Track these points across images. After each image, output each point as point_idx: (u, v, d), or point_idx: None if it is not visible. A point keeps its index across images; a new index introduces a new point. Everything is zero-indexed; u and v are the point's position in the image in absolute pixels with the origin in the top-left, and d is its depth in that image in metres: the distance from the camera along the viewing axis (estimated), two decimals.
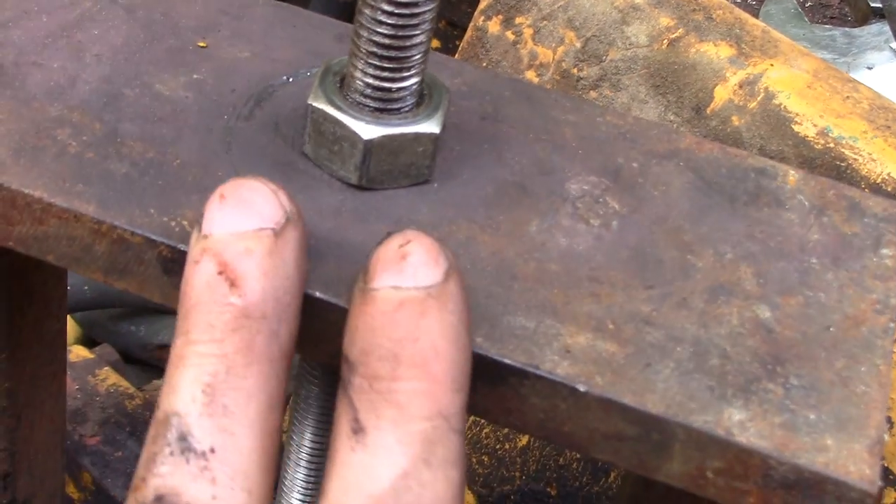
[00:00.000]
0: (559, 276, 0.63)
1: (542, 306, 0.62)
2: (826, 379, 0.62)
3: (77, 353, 1.42)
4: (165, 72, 0.69)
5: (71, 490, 1.32)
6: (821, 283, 0.67)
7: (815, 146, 0.94)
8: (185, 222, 0.61)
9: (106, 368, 1.39)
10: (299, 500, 0.74)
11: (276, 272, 0.55)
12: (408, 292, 0.55)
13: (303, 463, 0.73)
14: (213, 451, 0.52)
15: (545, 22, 1.05)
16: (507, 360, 0.59)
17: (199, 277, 0.54)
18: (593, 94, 1.02)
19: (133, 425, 1.32)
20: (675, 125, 0.99)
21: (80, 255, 0.62)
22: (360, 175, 0.64)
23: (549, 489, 1.12)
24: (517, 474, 1.12)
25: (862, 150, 0.93)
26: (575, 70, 1.03)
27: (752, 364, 0.61)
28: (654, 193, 0.69)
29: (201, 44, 0.71)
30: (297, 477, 0.73)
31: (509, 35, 1.06)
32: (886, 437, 0.71)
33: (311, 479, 0.73)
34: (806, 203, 0.71)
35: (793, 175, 0.72)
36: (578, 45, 1.03)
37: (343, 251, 0.62)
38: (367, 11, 0.61)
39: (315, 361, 0.67)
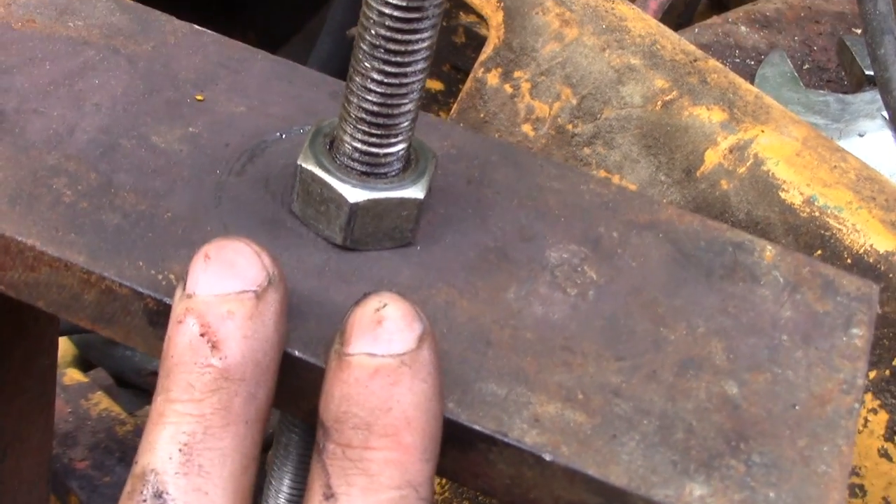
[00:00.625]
0: (533, 344, 0.65)
1: (515, 374, 0.63)
2: (788, 457, 0.63)
3: (71, 376, 1.44)
4: (162, 124, 0.71)
5: None
6: (790, 360, 0.68)
7: (801, 214, 0.95)
8: (171, 276, 0.63)
9: (99, 393, 1.41)
10: None
11: (256, 335, 0.57)
12: (382, 360, 0.57)
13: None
14: None
15: (543, 77, 1.07)
16: (476, 427, 0.61)
17: (182, 337, 0.56)
18: (587, 150, 1.04)
19: (122, 451, 1.34)
20: (665, 186, 1.01)
21: (69, 302, 0.64)
22: (344, 236, 0.66)
23: None
24: None
25: (846, 220, 0.94)
26: (570, 126, 1.05)
27: (716, 440, 0.63)
28: (632, 264, 0.71)
29: (199, 97, 0.73)
30: None
31: (507, 88, 1.08)
32: None
33: None
34: (781, 279, 0.73)
35: (770, 250, 0.74)
36: (574, 101, 1.05)
37: (324, 311, 0.63)
38: (358, 79, 0.63)
39: (292, 416, 0.69)
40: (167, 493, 0.54)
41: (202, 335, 0.56)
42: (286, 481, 0.73)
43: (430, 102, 1.46)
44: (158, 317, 0.62)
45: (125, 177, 0.67)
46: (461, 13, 1.34)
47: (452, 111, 1.11)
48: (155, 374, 1.61)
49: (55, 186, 0.66)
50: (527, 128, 1.07)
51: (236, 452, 0.55)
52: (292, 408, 0.63)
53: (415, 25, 0.60)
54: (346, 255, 0.67)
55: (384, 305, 0.58)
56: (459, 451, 0.61)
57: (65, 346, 1.73)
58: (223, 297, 0.57)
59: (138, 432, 1.36)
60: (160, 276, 0.63)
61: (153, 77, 0.74)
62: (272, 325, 0.58)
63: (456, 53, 1.44)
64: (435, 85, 1.46)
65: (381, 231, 0.67)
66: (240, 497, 0.55)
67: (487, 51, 1.11)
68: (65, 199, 0.65)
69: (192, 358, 0.56)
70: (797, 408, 0.66)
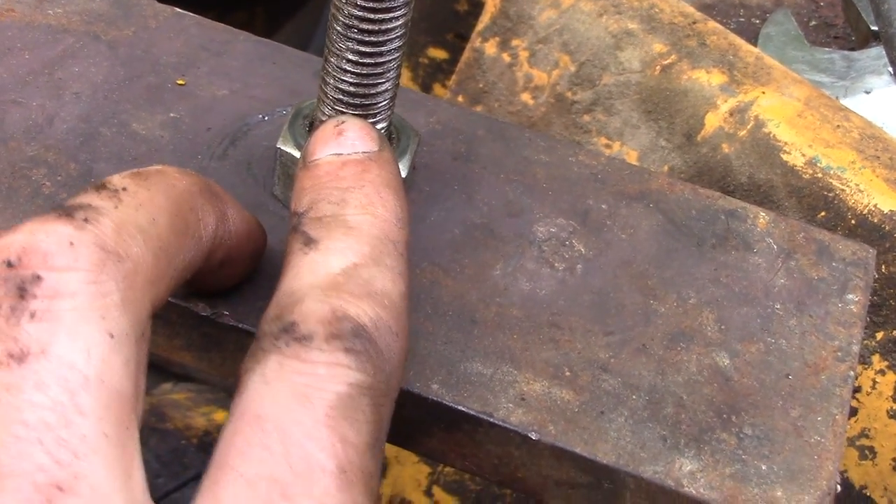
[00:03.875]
0: (519, 322, 0.64)
1: (501, 352, 0.63)
2: (780, 428, 0.62)
3: None
4: (143, 110, 0.70)
5: None
6: (783, 329, 0.67)
7: (804, 176, 0.94)
8: None
9: None
10: None
11: None
12: (349, 156, 0.59)
13: None
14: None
15: (541, 45, 1.05)
16: (461, 408, 0.60)
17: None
18: (587, 117, 1.03)
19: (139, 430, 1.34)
20: (666, 151, 0.99)
21: None
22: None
23: None
24: (508, 491, 1.13)
25: (849, 180, 0.93)
26: (569, 93, 1.03)
27: (706, 413, 0.62)
28: (622, 236, 0.70)
29: (180, 81, 0.73)
30: None
31: (505, 57, 1.07)
32: (839, 481, 0.72)
33: None
34: (774, 246, 0.72)
35: (763, 217, 0.73)
36: (573, 68, 1.03)
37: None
38: (333, 60, 0.62)
39: None
40: (109, 183, 0.52)
41: None
42: None
43: (436, 71, 1.45)
44: None
45: (105, 165, 0.67)
46: None
47: (451, 82, 1.10)
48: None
49: (34, 178, 0.66)
50: (526, 96, 1.06)
51: (187, 192, 0.55)
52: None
53: (387, 4, 0.60)
54: None
55: (342, 122, 0.61)
56: (445, 431, 0.61)
57: None
58: None
59: (153, 411, 1.36)
60: None
61: (134, 63, 0.73)
62: None
63: (459, 22, 1.43)
64: (439, 54, 1.45)
65: None
66: (178, 214, 0.53)
67: (484, 20, 1.09)
68: (44, 191, 0.65)
69: None
70: (790, 377, 0.65)
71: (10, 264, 0.46)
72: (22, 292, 0.46)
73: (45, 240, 0.47)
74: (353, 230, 0.56)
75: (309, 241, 0.55)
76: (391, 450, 1.19)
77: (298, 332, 0.50)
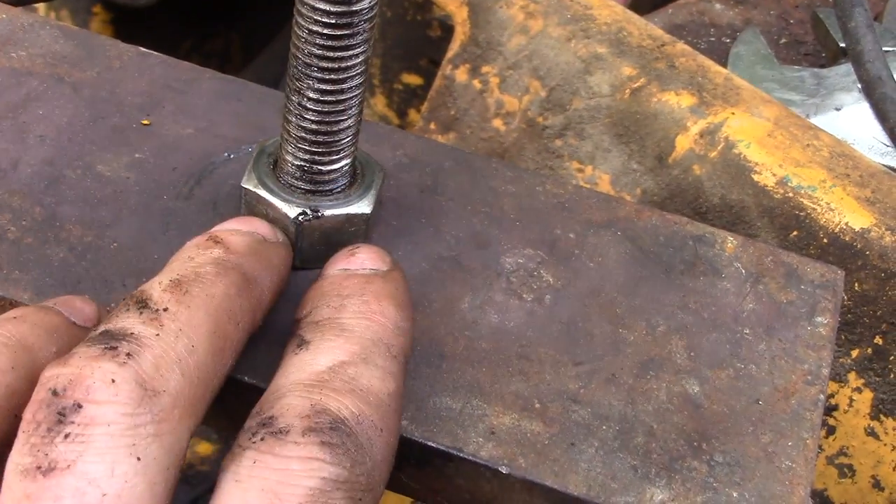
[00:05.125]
0: (488, 355, 0.64)
1: (470, 386, 0.63)
2: (751, 455, 0.62)
3: None
4: (108, 151, 0.70)
5: None
6: (752, 354, 0.67)
7: (775, 196, 0.94)
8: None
9: None
10: None
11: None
12: (356, 271, 0.60)
13: None
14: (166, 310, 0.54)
15: (511, 71, 1.06)
16: (431, 443, 0.60)
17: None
18: (559, 142, 1.03)
19: None
20: (638, 174, 0.99)
21: None
22: (293, 256, 0.65)
23: None
24: None
25: (820, 199, 0.93)
26: (540, 119, 1.04)
27: (677, 441, 0.62)
28: (590, 265, 0.70)
29: (145, 121, 0.73)
30: None
31: (476, 84, 1.07)
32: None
33: None
34: (743, 271, 0.72)
35: (731, 242, 0.73)
36: (543, 94, 1.04)
37: (275, 336, 0.63)
38: (295, 98, 0.62)
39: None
40: (151, 300, 0.54)
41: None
42: None
43: (410, 97, 1.45)
44: None
45: (70, 209, 0.67)
46: (434, 6, 1.33)
47: (423, 109, 1.10)
48: None
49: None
50: (497, 122, 1.06)
51: (225, 298, 0.56)
52: (237, 423, 0.62)
53: (346, 42, 0.60)
54: (297, 275, 0.66)
55: (357, 247, 0.62)
56: (416, 467, 0.61)
57: None
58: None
59: None
60: (107, 308, 0.62)
61: (98, 104, 0.73)
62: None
63: (432, 47, 1.43)
64: (413, 80, 1.45)
65: (332, 248, 0.66)
66: (216, 332, 0.55)
67: (454, 47, 1.10)
68: (9, 236, 0.65)
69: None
70: (760, 403, 0.65)
71: (55, 393, 0.49)
72: (61, 417, 0.49)
73: (90, 376, 0.49)
74: (346, 332, 0.57)
75: (302, 343, 0.57)
76: None
77: (275, 426, 0.51)
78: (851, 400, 0.94)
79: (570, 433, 0.62)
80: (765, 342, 0.68)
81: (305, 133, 0.63)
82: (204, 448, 1.34)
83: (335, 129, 0.63)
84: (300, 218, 0.64)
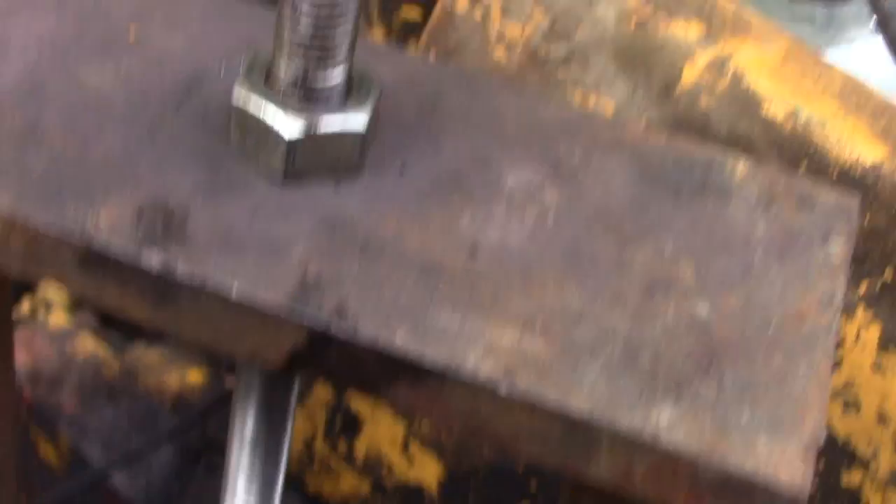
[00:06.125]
0: (489, 272, 0.62)
1: (469, 303, 0.60)
2: (762, 379, 0.60)
3: (56, 319, 1.40)
4: (93, 62, 0.67)
5: (49, 455, 1.31)
6: (764, 278, 0.65)
7: (784, 129, 0.91)
8: (101, 218, 0.60)
9: (84, 335, 1.38)
10: (244, 486, 0.73)
11: None
12: None
13: (246, 450, 0.72)
14: None
15: (513, 0, 1.02)
16: (427, 360, 0.57)
17: None
18: (562, 72, 1.00)
19: (111, 392, 1.32)
20: (643, 105, 0.97)
21: None
22: (285, 169, 0.63)
23: (516, 463, 1.10)
24: (485, 448, 1.11)
25: (831, 132, 0.90)
26: (543, 49, 1.01)
27: (685, 363, 0.60)
28: (595, 186, 0.68)
29: (132, 32, 0.70)
30: (241, 463, 0.72)
31: (477, 14, 1.04)
32: (823, 428, 0.69)
33: (256, 464, 0.72)
34: (754, 195, 0.69)
35: (742, 166, 0.70)
36: (546, 23, 1.00)
37: (264, 246, 0.60)
38: (289, 4, 0.59)
39: (235, 358, 0.66)
40: None
41: None
42: (249, 424, 0.71)
43: (408, 33, 1.42)
44: (89, 261, 0.59)
45: (53, 118, 0.64)
46: None
47: (421, 41, 1.07)
48: None
49: None
50: (499, 53, 1.03)
51: None
52: (235, 347, 0.59)
53: None
54: (288, 189, 0.63)
55: None
56: (410, 386, 0.58)
57: (56, 286, 1.70)
58: None
59: (125, 373, 1.33)
60: (89, 219, 0.59)
61: (84, 14, 0.70)
62: None
63: None
64: (413, 13, 1.41)
65: (324, 162, 0.63)
66: None
67: None
68: None
69: None
70: (772, 327, 0.62)
71: None
72: None
73: None
74: None
75: None
76: (365, 407, 1.16)
77: None
78: (859, 334, 0.92)
79: (572, 352, 0.59)
80: (776, 266, 0.65)
81: (300, 40, 0.60)
82: (195, 377, 1.32)
83: (331, 35, 0.60)
84: (293, 131, 0.61)
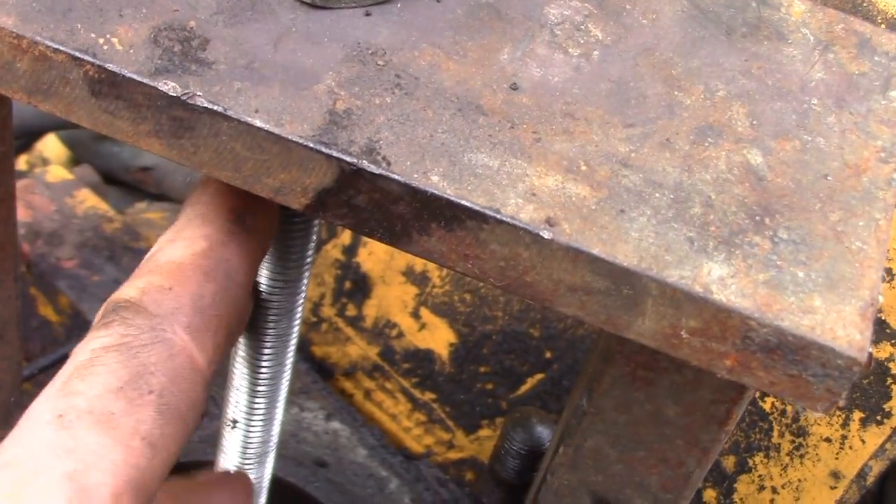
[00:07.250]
0: (530, 110, 0.57)
1: (509, 143, 0.56)
2: (819, 233, 0.56)
3: (54, 173, 1.36)
4: None
5: (49, 313, 1.28)
6: (821, 126, 0.60)
7: None
8: (114, 39, 0.55)
9: (84, 190, 1.33)
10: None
11: None
12: None
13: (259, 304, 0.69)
14: None
15: None
16: (465, 202, 0.53)
17: None
18: None
19: (111, 249, 1.28)
20: None
21: (0, 72, 0.56)
22: None
23: (531, 330, 1.07)
24: (500, 314, 1.08)
25: None
26: None
27: (737, 214, 0.56)
28: (643, 21, 0.63)
29: None
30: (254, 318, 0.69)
31: None
32: (882, 292, 0.66)
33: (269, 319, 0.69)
34: (811, 37, 0.64)
35: (798, 6, 0.66)
36: None
37: (290, 76, 0.56)
38: None
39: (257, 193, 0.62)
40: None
41: None
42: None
43: None
44: (101, 86, 0.54)
45: None
46: None
47: None
48: (144, 170, 1.56)
49: None
50: None
51: None
52: (258, 186, 0.55)
53: None
54: (316, 14, 0.58)
55: None
56: (446, 229, 0.54)
57: (54, 144, 1.66)
58: None
59: (127, 230, 1.29)
60: (101, 40, 0.55)
61: None
62: None
63: None
64: None
65: None
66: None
67: None
68: None
69: None
70: (829, 178, 0.58)
71: None
72: None
73: None
74: None
75: None
76: (376, 269, 1.13)
77: None
78: None
79: (619, 199, 0.55)
80: (834, 114, 0.61)
81: None
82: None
83: None
84: None
